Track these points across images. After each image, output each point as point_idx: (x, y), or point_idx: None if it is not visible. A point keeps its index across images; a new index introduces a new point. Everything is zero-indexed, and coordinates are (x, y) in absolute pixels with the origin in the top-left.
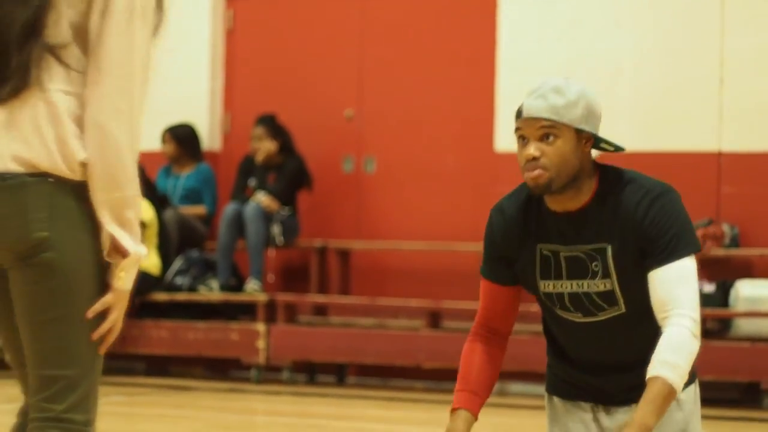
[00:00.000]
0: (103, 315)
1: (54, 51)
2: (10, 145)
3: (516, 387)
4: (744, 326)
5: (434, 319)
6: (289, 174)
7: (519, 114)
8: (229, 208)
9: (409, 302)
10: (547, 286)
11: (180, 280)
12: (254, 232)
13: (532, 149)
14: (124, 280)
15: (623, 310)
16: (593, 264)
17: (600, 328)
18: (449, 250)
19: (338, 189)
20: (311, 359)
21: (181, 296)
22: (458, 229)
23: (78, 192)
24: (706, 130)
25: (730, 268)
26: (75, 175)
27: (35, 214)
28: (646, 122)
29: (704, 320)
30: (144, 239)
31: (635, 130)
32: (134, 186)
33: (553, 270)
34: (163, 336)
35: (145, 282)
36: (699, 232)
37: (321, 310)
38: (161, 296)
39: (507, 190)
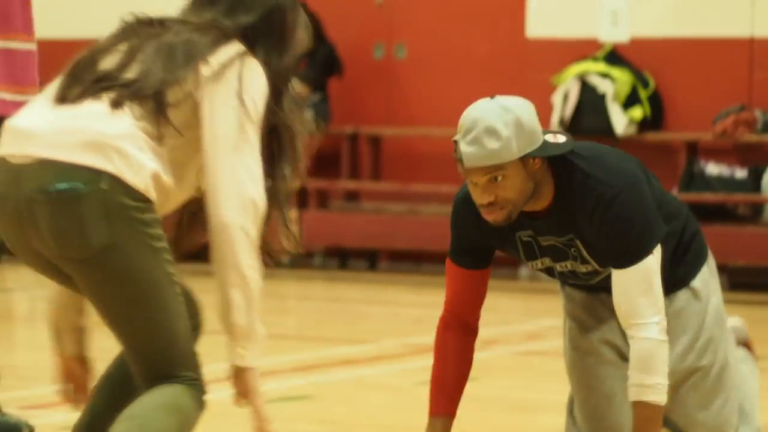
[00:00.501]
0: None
1: (165, 106)
2: (77, 137)
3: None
4: None
5: None
6: (320, 61)
7: (458, 156)
8: None
9: (440, 188)
10: (535, 264)
11: None
12: None
13: (484, 197)
14: (243, 357)
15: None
16: (572, 250)
17: (597, 284)
18: None
19: (369, 76)
20: (343, 245)
21: None
22: None
23: (131, 192)
24: (739, 15)
25: (761, 153)
26: (130, 177)
27: (93, 224)
28: (678, 8)
29: (736, 206)
30: None
31: (668, 16)
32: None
33: (537, 251)
34: None
35: None
36: (731, 119)
37: (352, 196)
38: None
39: (537, 77)
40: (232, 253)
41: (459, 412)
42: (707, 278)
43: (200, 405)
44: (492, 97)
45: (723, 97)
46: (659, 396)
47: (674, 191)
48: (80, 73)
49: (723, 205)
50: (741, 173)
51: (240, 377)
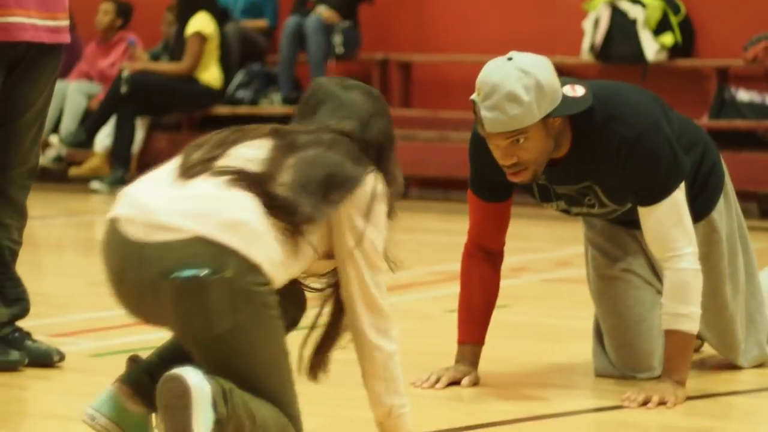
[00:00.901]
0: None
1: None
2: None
3: None
4: None
5: None
6: None
7: (478, 120)
8: (290, 21)
9: (470, 115)
10: (551, 206)
11: (242, 94)
12: (315, 44)
13: (506, 159)
14: None
15: (630, 206)
16: (586, 198)
17: (615, 219)
18: None
19: (399, 2)
20: None
21: (243, 110)
22: (519, 41)
23: (256, 273)
24: None
25: None
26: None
27: (218, 311)
28: None
29: (766, 132)
30: (205, 53)
31: None
32: None
33: (552, 196)
34: None
35: (206, 95)
36: (762, 45)
37: None
38: (223, 110)
39: (568, 2)
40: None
41: (488, 339)
42: (723, 209)
43: None
44: (508, 57)
45: (754, 23)
46: (693, 325)
47: (704, 118)
48: (211, 152)
49: (753, 131)
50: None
51: None
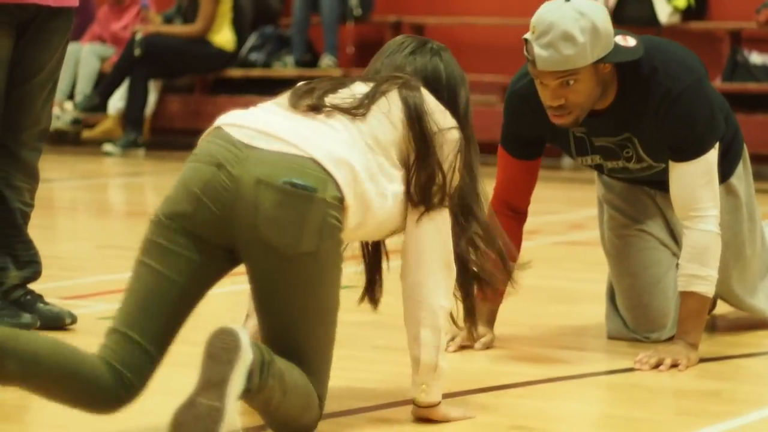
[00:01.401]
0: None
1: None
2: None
3: (568, 161)
4: None
5: None
6: None
7: (530, 57)
8: None
9: (483, 77)
10: (585, 160)
11: (255, 56)
12: (329, 6)
13: (554, 99)
14: (427, 392)
15: (664, 166)
16: (624, 151)
17: (645, 177)
18: (523, 25)
19: None
20: None
21: (256, 72)
22: (531, 5)
23: (342, 213)
24: None
25: None
26: (350, 199)
27: (311, 229)
28: None
29: None
30: (218, 15)
31: None
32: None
33: (589, 149)
34: None
35: (219, 58)
36: None
37: None
38: (236, 72)
39: None
40: (427, 294)
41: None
42: (742, 174)
43: (314, 425)
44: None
45: None
46: (710, 287)
47: (717, 81)
48: (330, 89)
49: (767, 94)
50: None
51: (423, 411)
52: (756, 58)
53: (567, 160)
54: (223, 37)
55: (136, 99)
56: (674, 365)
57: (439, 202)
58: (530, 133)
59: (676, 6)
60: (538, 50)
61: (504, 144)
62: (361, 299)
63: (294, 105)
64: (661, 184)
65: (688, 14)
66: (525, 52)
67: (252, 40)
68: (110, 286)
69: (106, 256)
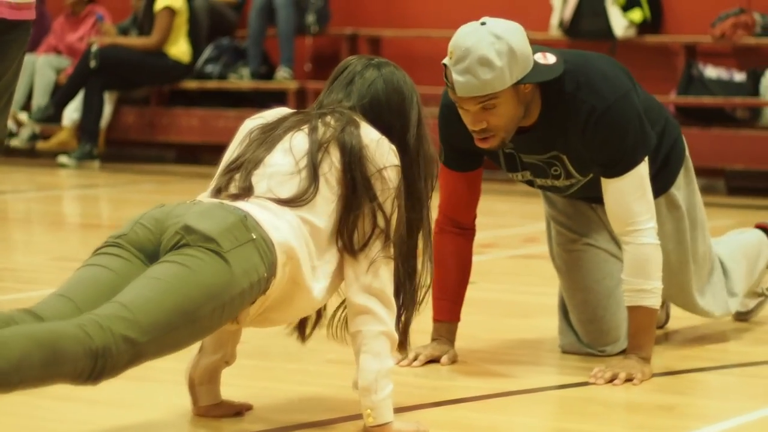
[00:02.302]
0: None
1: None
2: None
3: None
4: None
5: None
6: None
7: (449, 84)
8: None
9: (438, 90)
10: (516, 176)
11: (210, 68)
12: (285, 19)
13: (476, 124)
14: (373, 416)
15: (592, 176)
16: (552, 169)
17: (575, 193)
18: None
19: None
20: None
21: (212, 84)
22: (488, 16)
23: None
24: None
25: (760, 56)
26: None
27: (234, 235)
28: None
29: (734, 109)
30: (174, 27)
31: None
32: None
33: (519, 165)
34: (193, 124)
35: (175, 70)
36: (729, 21)
37: None
38: (192, 84)
39: None
40: (367, 321)
41: None
42: (682, 183)
43: (79, 359)
44: (482, 22)
45: (722, 0)
46: (656, 300)
47: (672, 94)
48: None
49: (721, 108)
50: (739, 76)
51: (375, 431)
52: (711, 71)
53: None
54: (179, 48)
55: (92, 110)
56: (629, 379)
57: (382, 249)
58: (464, 145)
59: (631, 19)
60: (456, 76)
61: (444, 159)
62: (293, 331)
63: (225, 192)
64: (596, 199)
65: (643, 28)
66: (444, 78)
67: (208, 52)
68: None
69: (61, 269)
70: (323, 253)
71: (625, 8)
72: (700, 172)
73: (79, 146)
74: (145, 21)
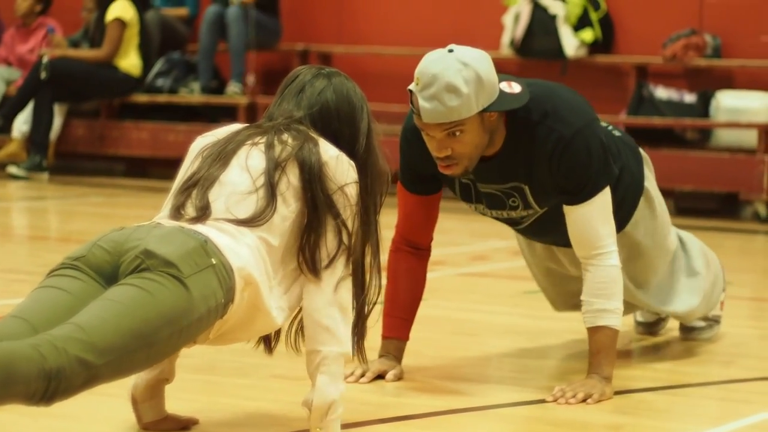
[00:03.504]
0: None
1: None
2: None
3: None
4: (724, 137)
5: None
6: None
7: (415, 110)
8: (210, 10)
9: (389, 107)
10: (470, 206)
11: (161, 82)
12: (236, 34)
13: (441, 150)
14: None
15: (545, 210)
16: (510, 200)
17: (528, 226)
18: None
19: None
20: None
21: (162, 98)
22: (439, 35)
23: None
24: None
25: (711, 78)
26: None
27: (193, 260)
28: None
29: (684, 130)
30: (125, 40)
31: None
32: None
33: (473, 196)
34: (143, 138)
35: (125, 83)
36: (680, 43)
37: None
38: (142, 98)
39: None
40: (326, 341)
41: None
42: (639, 219)
43: (32, 380)
44: (449, 49)
45: (673, 21)
46: (618, 320)
47: (623, 115)
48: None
49: (671, 129)
50: (690, 97)
51: None
52: (661, 92)
53: None
54: (130, 62)
55: (41, 122)
56: (586, 399)
57: (345, 266)
58: (424, 169)
59: (582, 39)
60: (422, 102)
61: (401, 179)
62: (257, 344)
63: (182, 215)
64: (548, 233)
65: (594, 48)
66: (410, 104)
67: (158, 65)
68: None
69: (9, 281)
70: (278, 271)
71: (577, 28)
72: None
73: (29, 158)
74: (96, 34)
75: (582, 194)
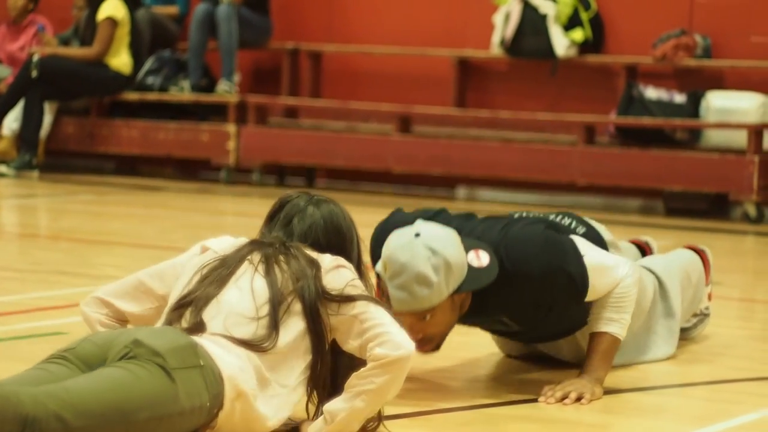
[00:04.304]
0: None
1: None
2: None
3: (485, 193)
4: (713, 137)
5: (404, 123)
6: None
7: (385, 296)
8: (200, 8)
9: (379, 106)
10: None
11: (151, 80)
12: (226, 32)
13: (413, 333)
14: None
15: (533, 327)
16: (497, 325)
17: (527, 335)
18: (421, 55)
19: None
20: (281, 161)
21: (152, 96)
22: (430, 34)
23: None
24: None
25: (701, 78)
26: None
27: (180, 356)
28: None
29: (674, 130)
30: (116, 38)
31: None
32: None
33: (463, 322)
34: (133, 136)
35: (116, 81)
36: (671, 43)
37: (291, 113)
38: (132, 96)
39: None
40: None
41: None
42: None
43: None
44: (416, 233)
45: (664, 21)
46: (622, 330)
47: (612, 115)
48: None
49: (661, 129)
50: (680, 98)
51: None
52: (651, 92)
53: (461, 191)
54: (120, 60)
55: (32, 120)
56: (578, 399)
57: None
58: None
59: (573, 39)
60: (392, 291)
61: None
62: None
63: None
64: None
65: (584, 47)
66: (378, 288)
67: (149, 63)
68: (3, 308)
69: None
70: (283, 374)
71: (567, 28)
72: (639, 192)
73: (19, 156)
74: (87, 32)
75: (581, 296)
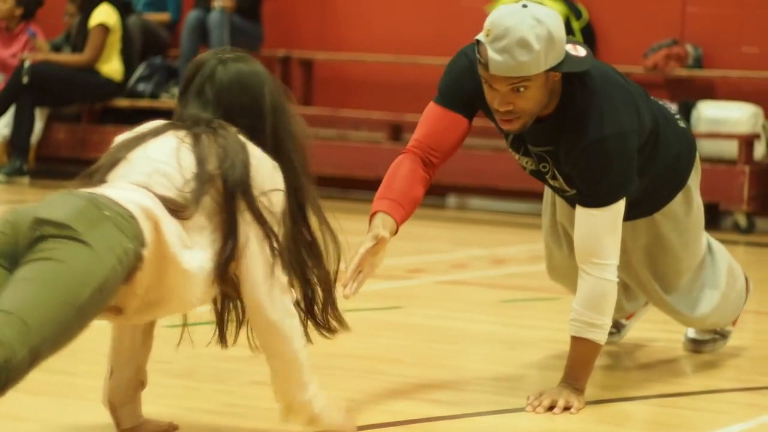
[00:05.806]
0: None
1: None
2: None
3: (475, 202)
4: (704, 147)
5: (396, 131)
6: None
7: (482, 60)
8: (191, 15)
9: (371, 114)
10: (514, 155)
11: (142, 87)
12: (218, 39)
13: (504, 104)
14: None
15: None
16: (541, 165)
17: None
18: (412, 63)
19: None
20: None
21: (144, 103)
22: (422, 42)
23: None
24: None
25: (692, 88)
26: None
27: (86, 216)
28: None
29: None
30: (107, 45)
31: None
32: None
33: (522, 148)
34: None
35: (107, 88)
36: (662, 53)
37: None
38: (123, 102)
39: (471, 4)
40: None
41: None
42: (676, 209)
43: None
44: (523, 4)
45: (655, 31)
46: (603, 336)
47: None
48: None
49: None
50: (671, 108)
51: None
52: None
53: (451, 200)
54: (112, 66)
55: (22, 126)
56: (567, 408)
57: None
58: (470, 88)
59: None
60: (492, 54)
61: (440, 98)
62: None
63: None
64: None
65: None
66: (477, 54)
67: (140, 70)
68: None
69: None
70: (196, 233)
71: None
72: None
73: (9, 162)
74: (78, 38)
75: (592, 199)
